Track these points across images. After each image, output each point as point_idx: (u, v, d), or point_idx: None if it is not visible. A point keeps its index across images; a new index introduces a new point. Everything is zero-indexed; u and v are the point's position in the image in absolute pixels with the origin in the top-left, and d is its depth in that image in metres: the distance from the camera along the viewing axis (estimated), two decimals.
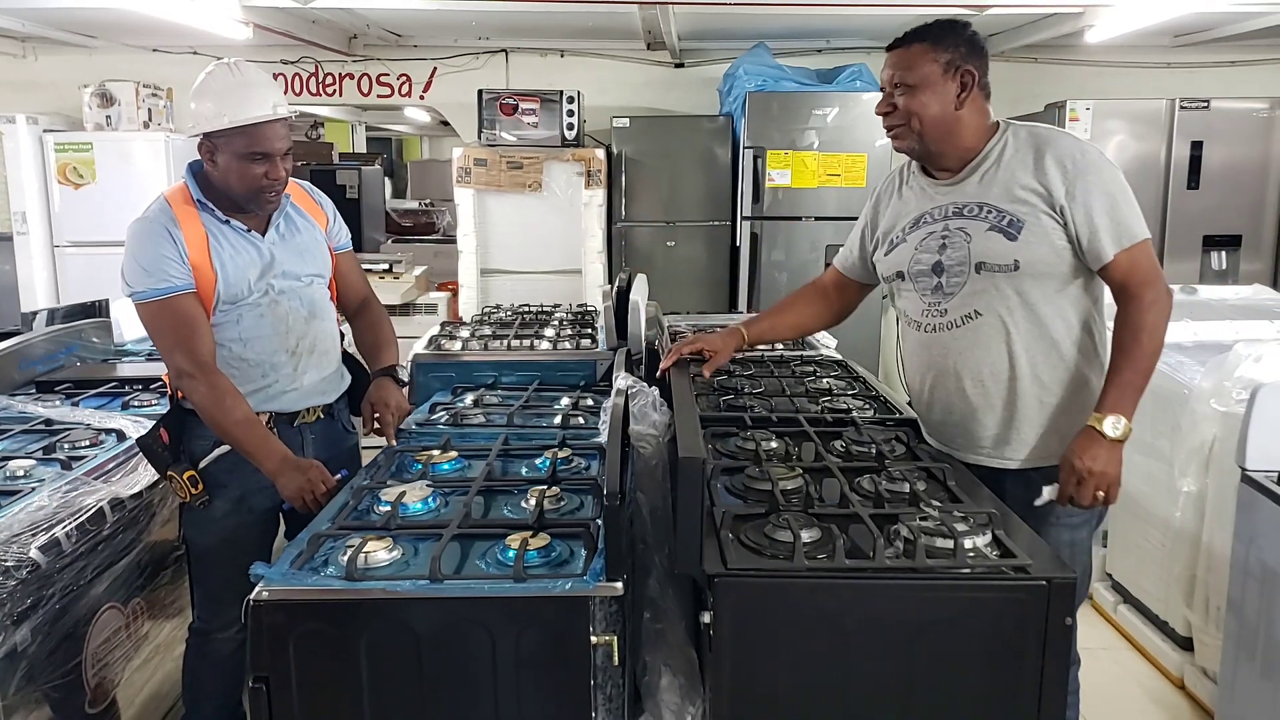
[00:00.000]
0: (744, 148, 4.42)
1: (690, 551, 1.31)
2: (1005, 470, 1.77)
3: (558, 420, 2.20)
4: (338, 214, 2.17)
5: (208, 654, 2.07)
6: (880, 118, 1.80)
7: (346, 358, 2.23)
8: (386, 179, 9.16)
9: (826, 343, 3.12)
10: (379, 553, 1.41)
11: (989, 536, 1.39)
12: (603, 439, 2.03)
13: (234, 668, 2.13)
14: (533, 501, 1.64)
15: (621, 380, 2.05)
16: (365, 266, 4.27)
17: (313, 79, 5.20)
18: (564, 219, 4.50)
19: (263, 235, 1.98)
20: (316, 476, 1.82)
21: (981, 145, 1.76)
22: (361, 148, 10.97)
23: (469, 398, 2.40)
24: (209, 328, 1.91)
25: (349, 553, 1.39)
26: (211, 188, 1.95)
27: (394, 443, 1.99)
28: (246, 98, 1.88)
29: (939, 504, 1.52)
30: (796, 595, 1.31)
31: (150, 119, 4.69)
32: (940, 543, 1.35)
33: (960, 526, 1.38)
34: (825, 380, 2.47)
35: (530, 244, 4.53)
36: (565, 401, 2.37)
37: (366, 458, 2.25)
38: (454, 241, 7.37)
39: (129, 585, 2.04)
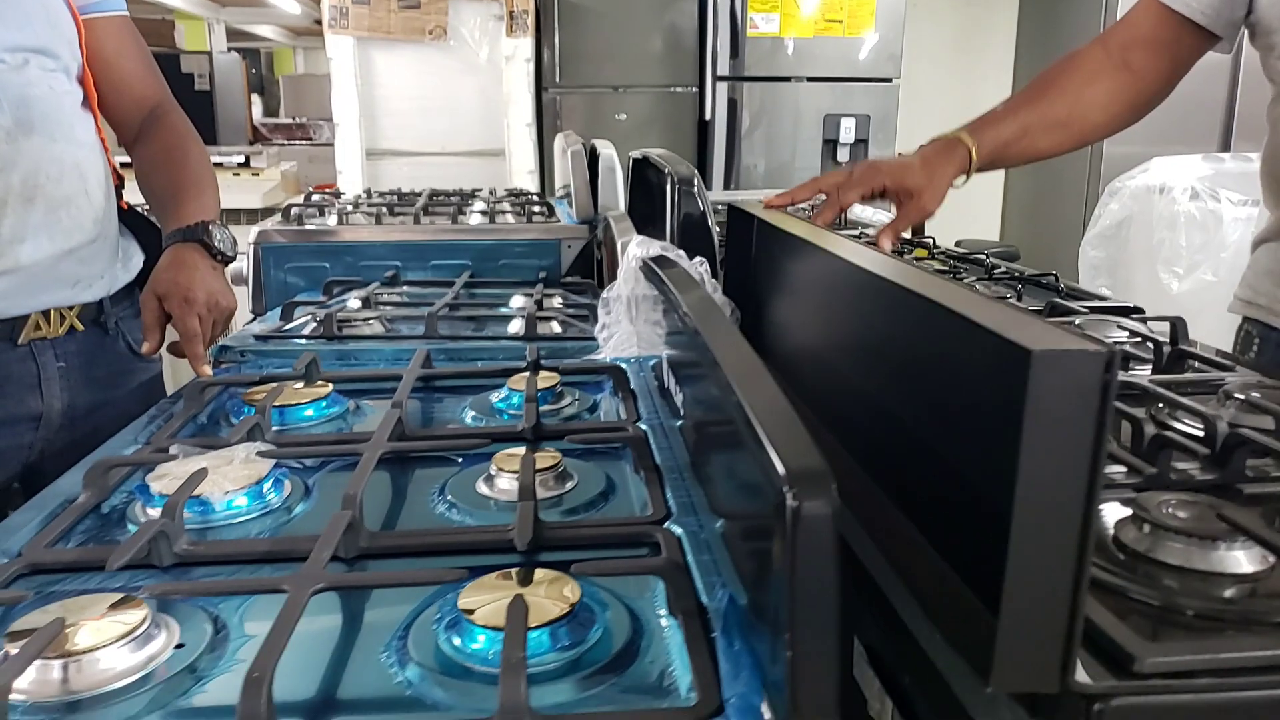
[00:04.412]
0: None
1: (1035, 630, 0.47)
2: None
3: (515, 328, 1.32)
4: None
5: None
6: None
7: (136, 221, 1.31)
8: (256, 96, 8.07)
9: (881, 220, 2.31)
10: (106, 651, 0.53)
11: None
12: (606, 353, 1.18)
13: None
14: (503, 484, 0.79)
15: (638, 244, 1.18)
16: (215, 161, 3.21)
17: None
18: (479, 80, 3.53)
19: None
20: None
21: None
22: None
23: (353, 297, 1.49)
24: None
25: (13, 649, 0.52)
26: None
27: (205, 369, 1.10)
28: None
29: None
30: None
31: None
32: None
33: None
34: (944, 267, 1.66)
35: (433, 114, 3.55)
36: (520, 301, 1.50)
37: None
38: (331, 145, 6.34)
39: None
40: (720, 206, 1.53)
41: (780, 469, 0.45)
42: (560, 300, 1.52)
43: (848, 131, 3.68)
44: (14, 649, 0.53)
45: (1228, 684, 0.48)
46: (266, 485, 0.77)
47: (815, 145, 3.70)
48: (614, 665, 0.55)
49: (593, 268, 1.78)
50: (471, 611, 0.56)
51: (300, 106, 8.58)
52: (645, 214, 1.73)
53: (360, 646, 0.57)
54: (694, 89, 3.78)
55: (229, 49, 10.74)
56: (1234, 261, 2.76)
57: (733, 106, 3.64)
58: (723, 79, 3.62)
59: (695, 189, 1.27)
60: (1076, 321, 1.14)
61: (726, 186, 3.71)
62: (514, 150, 3.55)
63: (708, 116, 3.73)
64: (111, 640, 0.54)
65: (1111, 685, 0.47)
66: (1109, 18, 3.79)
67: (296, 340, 1.24)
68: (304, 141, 7.17)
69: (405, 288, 1.58)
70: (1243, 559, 0.56)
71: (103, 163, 1.21)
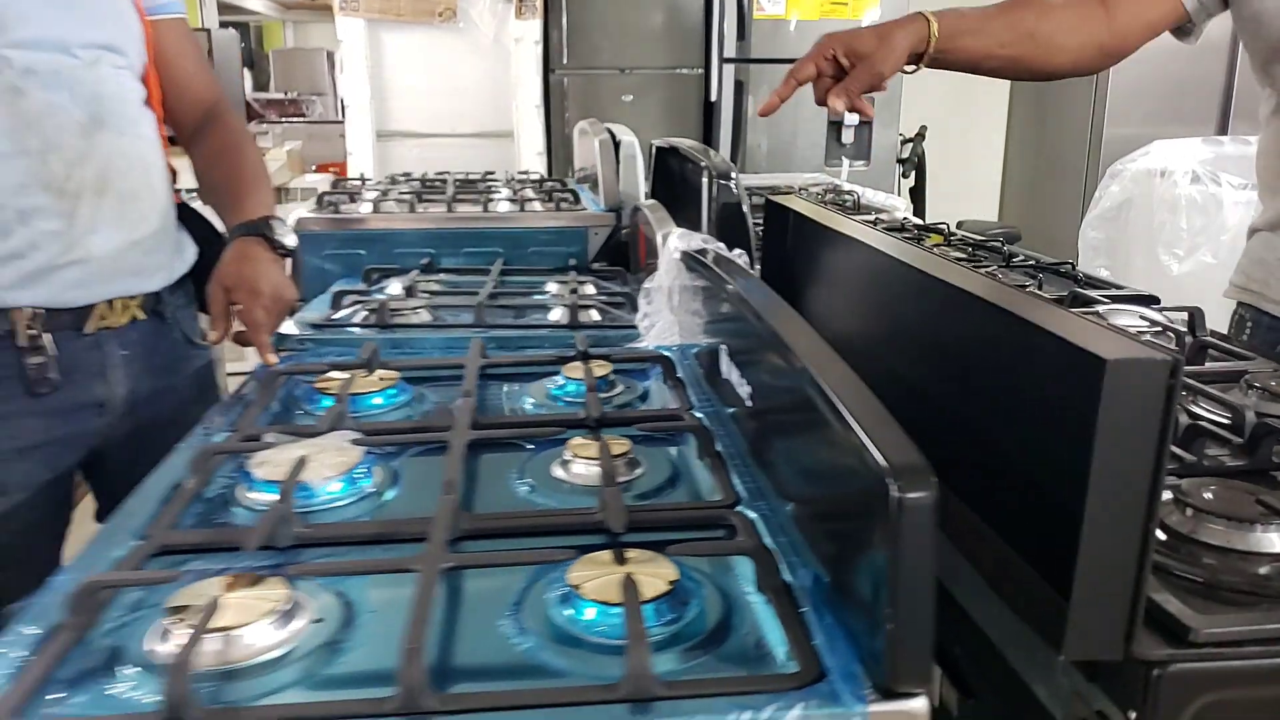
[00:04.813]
0: None
1: (1106, 603, 0.53)
2: None
3: (556, 316, 1.37)
4: None
5: None
6: None
7: (188, 214, 1.35)
8: (246, 70, 8.04)
9: (895, 204, 2.37)
10: (256, 626, 0.59)
11: None
12: (649, 341, 1.23)
13: None
14: (578, 468, 0.84)
15: (679, 236, 1.24)
16: None
17: None
18: (488, 63, 3.56)
19: None
20: None
21: None
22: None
23: (395, 284, 1.54)
24: None
25: (175, 633, 0.57)
26: None
27: (272, 358, 1.15)
28: None
29: None
30: None
31: None
32: None
33: None
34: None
35: (443, 97, 3.58)
36: (555, 288, 1.55)
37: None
38: (331, 124, 6.30)
39: None
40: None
41: (882, 462, 0.51)
42: (593, 287, 1.57)
43: (852, 114, 3.71)
44: (170, 623, 0.59)
45: (1273, 651, 0.54)
46: (360, 471, 0.82)
47: (820, 126, 3.74)
48: (713, 638, 0.60)
49: (617, 253, 1.83)
50: (580, 587, 0.62)
51: (290, 81, 8.52)
52: (664, 200, 1.77)
53: (478, 619, 0.63)
54: (700, 70, 3.81)
55: (220, 23, 10.68)
56: (1234, 244, 2.82)
57: (739, 88, 3.67)
58: (729, 61, 3.65)
59: (733, 182, 1.32)
60: (1099, 310, 1.20)
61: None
62: (522, 132, 3.58)
63: (713, 98, 3.76)
64: (261, 616, 0.59)
65: (1169, 653, 0.54)
66: None
67: (350, 329, 1.29)
68: (298, 118, 7.18)
69: (442, 275, 1.62)
70: (1276, 540, 0.63)
71: (162, 158, 1.26)
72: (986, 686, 0.73)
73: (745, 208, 1.32)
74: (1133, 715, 0.55)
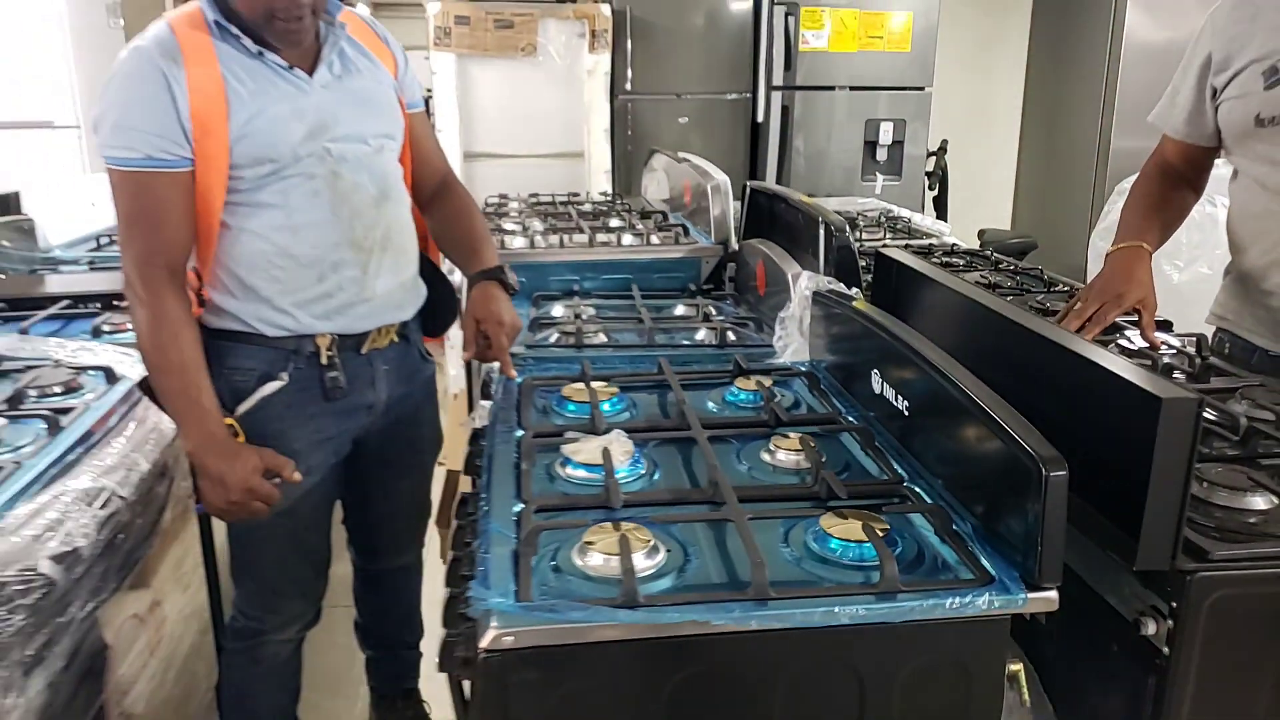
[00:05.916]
0: (773, 3, 3.88)
1: (1162, 536, 0.89)
2: None
3: (701, 336, 1.73)
4: (408, 58, 1.61)
5: (261, 661, 1.59)
6: None
7: (422, 261, 1.70)
8: None
9: (941, 229, 2.72)
10: (638, 555, 0.95)
11: None
12: (785, 358, 1.59)
13: (290, 676, 1.66)
14: (781, 455, 1.20)
15: (809, 278, 1.59)
16: None
17: None
18: (563, 91, 3.90)
19: (310, 74, 1.42)
20: (255, 480, 1.38)
21: None
22: None
23: (558, 308, 1.90)
24: (185, 223, 1.37)
25: (593, 555, 0.93)
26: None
27: (512, 372, 1.50)
28: None
29: None
30: None
31: None
32: None
33: None
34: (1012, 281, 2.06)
35: (522, 122, 3.93)
36: (683, 310, 1.91)
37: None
38: None
39: (147, 578, 1.52)
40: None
41: (1033, 452, 0.87)
42: (713, 309, 1.92)
43: (886, 134, 4.07)
44: (589, 548, 0.95)
45: (1258, 566, 0.90)
46: (636, 457, 1.18)
47: (856, 146, 4.09)
48: (914, 563, 0.96)
49: (715, 276, 2.17)
50: (829, 529, 0.98)
51: None
52: (757, 231, 2.13)
53: (763, 549, 0.98)
54: (748, 95, 4.15)
55: None
56: (1227, 258, 3.17)
57: (785, 113, 4.02)
58: (776, 88, 3.99)
59: (847, 233, 1.66)
60: (1128, 334, 1.56)
61: (778, 181, 4.09)
62: (593, 153, 3.92)
63: (759, 120, 4.10)
64: (643, 547, 0.95)
65: (1196, 566, 0.90)
66: (1115, 33, 4.17)
67: (552, 348, 1.65)
68: None
69: (594, 300, 1.98)
70: (1260, 502, 0.98)
71: (413, 219, 1.61)
72: (1065, 599, 1.08)
73: (856, 255, 1.67)
74: (1174, 604, 0.91)
